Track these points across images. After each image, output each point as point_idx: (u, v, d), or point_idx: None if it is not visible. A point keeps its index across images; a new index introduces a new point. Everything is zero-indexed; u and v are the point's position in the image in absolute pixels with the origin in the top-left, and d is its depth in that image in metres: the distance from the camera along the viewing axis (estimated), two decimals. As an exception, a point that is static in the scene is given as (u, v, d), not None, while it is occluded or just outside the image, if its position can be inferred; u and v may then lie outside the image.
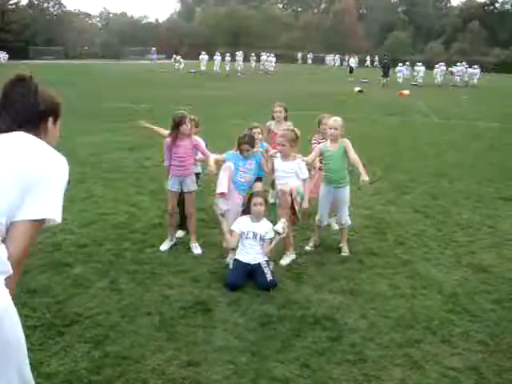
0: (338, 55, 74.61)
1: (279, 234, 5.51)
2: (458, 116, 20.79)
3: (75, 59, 69.41)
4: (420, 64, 42.82)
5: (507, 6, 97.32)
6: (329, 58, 73.50)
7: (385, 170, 10.24)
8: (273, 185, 6.98)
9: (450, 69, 43.78)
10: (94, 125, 15.02)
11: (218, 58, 49.22)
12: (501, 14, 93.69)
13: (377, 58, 50.21)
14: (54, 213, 2.14)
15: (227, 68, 49.01)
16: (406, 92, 30.81)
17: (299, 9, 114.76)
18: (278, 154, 5.93)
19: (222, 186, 5.68)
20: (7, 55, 54.54)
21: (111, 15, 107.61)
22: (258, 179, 6.41)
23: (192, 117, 6.18)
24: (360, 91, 30.77)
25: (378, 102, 24.89)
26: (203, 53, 49.49)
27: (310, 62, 76.32)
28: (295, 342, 4.25)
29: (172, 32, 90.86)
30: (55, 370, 3.73)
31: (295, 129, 6.05)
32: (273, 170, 6.04)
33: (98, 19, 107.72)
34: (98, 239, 6.32)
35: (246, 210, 5.67)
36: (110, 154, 10.99)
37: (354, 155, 5.93)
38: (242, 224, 5.54)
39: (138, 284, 5.17)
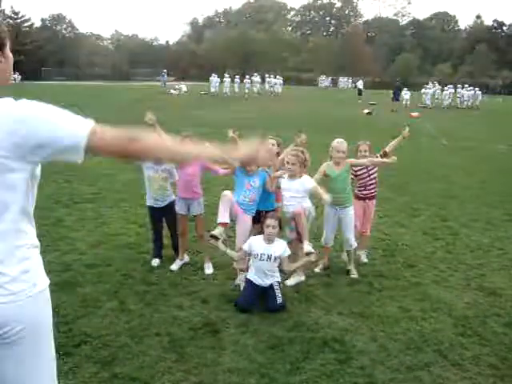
0: (349, 78, 75.18)
1: (310, 253, 5.42)
2: (466, 138, 20.79)
3: (86, 80, 70.20)
4: (429, 86, 42.97)
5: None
6: (342, 80, 74.08)
7: (393, 191, 10.23)
8: None
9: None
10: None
11: (227, 79, 49.61)
12: (508, 37, 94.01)
13: (360, 81, 49.68)
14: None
15: (236, 90, 49.30)
16: (417, 114, 30.88)
17: (308, 31, 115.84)
18: (286, 175, 5.81)
19: (222, 215, 5.50)
20: (20, 76, 55.44)
21: (122, 37, 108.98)
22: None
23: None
24: (369, 113, 30.87)
25: (387, 125, 24.93)
26: (213, 75, 49.88)
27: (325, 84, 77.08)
28: (304, 365, 4.23)
29: (182, 54, 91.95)
30: (64, 390, 3.73)
31: (305, 151, 5.97)
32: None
33: (110, 41, 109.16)
34: (107, 260, 6.34)
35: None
36: (122, 174, 11.05)
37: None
38: (255, 245, 5.41)
39: (147, 305, 5.18)
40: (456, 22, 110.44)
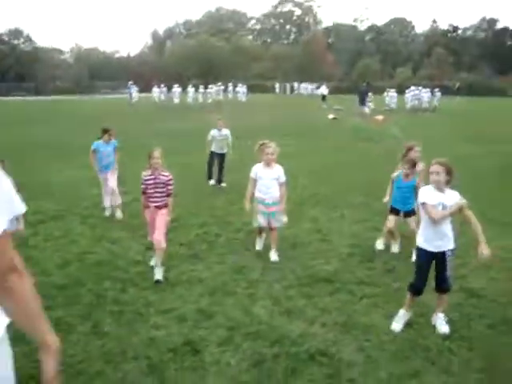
0: (311, 84, 75.66)
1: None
2: (432, 139, 20.98)
3: (47, 95, 68.89)
4: (393, 90, 43.51)
5: (469, 33, 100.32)
6: (304, 86, 74.50)
7: (366, 196, 10.16)
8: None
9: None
10: (70, 161, 14.72)
11: (191, 90, 49.57)
12: (463, 40, 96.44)
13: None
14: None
15: (200, 100, 49.18)
16: (381, 117, 31.12)
17: (269, 40, 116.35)
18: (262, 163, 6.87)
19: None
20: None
21: (83, 50, 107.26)
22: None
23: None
24: (334, 118, 31.01)
25: (352, 129, 25.07)
26: (176, 85, 49.72)
27: (278, 91, 77.57)
28: (291, 381, 4.08)
29: (144, 66, 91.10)
30: (37, 426, 3.47)
31: None
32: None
33: (69, 54, 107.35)
34: (77, 280, 6.07)
35: None
36: (88, 190, 10.72)
37: None
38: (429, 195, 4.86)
39: (122, 326, 4.93)
40: (413, 27, 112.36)
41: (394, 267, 6.53)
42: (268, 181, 6.83)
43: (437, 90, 45.68)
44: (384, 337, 4.75)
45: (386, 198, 7.27)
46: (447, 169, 4.78)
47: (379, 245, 7.26)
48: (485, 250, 4.62)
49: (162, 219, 6.24)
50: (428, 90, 45.24)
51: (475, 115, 35.40)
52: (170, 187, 6.30)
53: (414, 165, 6.82)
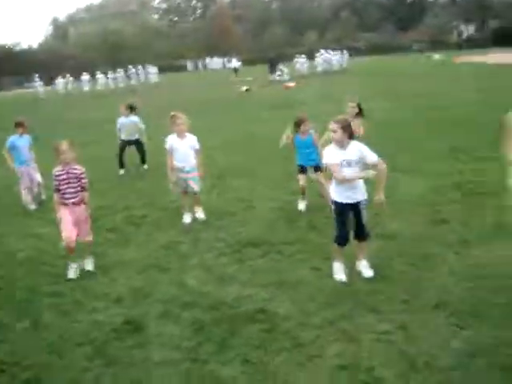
0: (222, 58, 75.45)
1: None
2: (343, 98, 21.59)
3: None
4: (302, 56, 44.18)
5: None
6: (215, 61, 74.26)
7: (284, 161, 10.42)
8: None
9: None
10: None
11: (100, 76, 48.31)
12: (366, 2, 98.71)
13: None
14: None
15: (112, 86, 48.01)
16: (292, 84, 31.64)
17: (176, 18, 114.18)
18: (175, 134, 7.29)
19: None
20: None
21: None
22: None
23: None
24: (247, 90, 31.23)
25: (265, 98, 25.39)
26: (84, 73, 48.28)
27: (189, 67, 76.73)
28: (231, 341, 4.30)
29: (49, 56, 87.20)
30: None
31: None
32: None
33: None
34: (8, 279, 6.01)
35: None
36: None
37: None
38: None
39: (62, 316, 4.98)
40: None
41: (317, 224, 6.87)
42: (183, 150, 7.29)
43: (345, 51, 46.84)
44: (314, 288, 5.07)
45: (281, 145, 7.75)
46: (343, 126, 5.01)
47: (301, 205, 7.62)
48: (378, 196, 5.12)
49: (82, 216, 6.01)
50: (337, 52, 46.27)
51: (383, 73, 36.63)
52: (83, 181, 5.96)
53: (298, 125, 7.35)
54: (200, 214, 7.60)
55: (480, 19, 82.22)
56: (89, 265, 6.10)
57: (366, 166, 5.11)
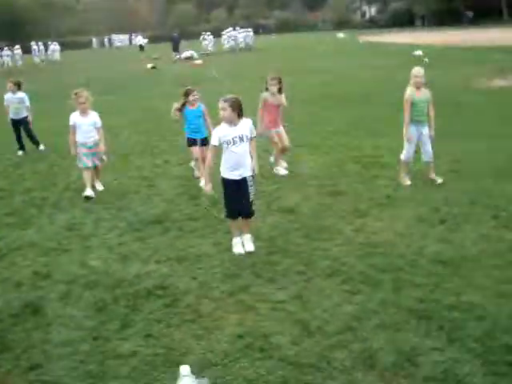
0: (125, 34, 73.37)
1: None
2: (247, 77, 21.79)
3: None
4: (209, 33, 43.88)
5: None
6: (117, 38, 72.00)
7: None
8: None
9: None
10: None
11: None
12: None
13: (140, 37, 49.44)
14: None
15: (9, 63, 45.25)
16: (199, 62, 31.46)
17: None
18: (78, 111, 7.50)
19: None
20: None
21: None
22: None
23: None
24: (153, 67, 30.71)
25: (172, 76, 25.10)
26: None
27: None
28: (133, 317, 4.34)
29: None
30: None
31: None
32: None
33: None
34: None
35: None
36: None
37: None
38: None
39: (-47, 304, 4.78)
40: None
41: (220, 200, 6.97)
42: (86, 127, 7.60)
43: (249, 29, 46.98)
44: (214, 262, 5.20)
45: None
46: (232, 104, 5.18)
47: (197, 173, 7.96)
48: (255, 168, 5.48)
49: None
50: (246, 29, 46.30)
51: (288, 50, 37.18)
52: None
53: (187, 95, 7.75)
54: (98, 185, 7.88)
55: (381, 0, 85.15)
56: None
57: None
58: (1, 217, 7.02)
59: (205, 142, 7.64)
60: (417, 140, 7.09)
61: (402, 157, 7.20)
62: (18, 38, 63.91)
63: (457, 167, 7.80)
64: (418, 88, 6.97)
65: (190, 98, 7.66)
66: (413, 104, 6.94)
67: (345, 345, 3.77)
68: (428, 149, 7.10)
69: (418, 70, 6.97)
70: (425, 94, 7.05)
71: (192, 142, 7.87)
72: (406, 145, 7.13)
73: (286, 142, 8.09)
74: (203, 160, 7.26)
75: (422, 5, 70.19)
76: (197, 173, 7.98)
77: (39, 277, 5.19)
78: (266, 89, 7.97)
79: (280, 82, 7.94)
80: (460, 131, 9.72)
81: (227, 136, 5.19)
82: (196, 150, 7.82)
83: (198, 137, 7.82)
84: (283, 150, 8.15)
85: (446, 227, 5.75)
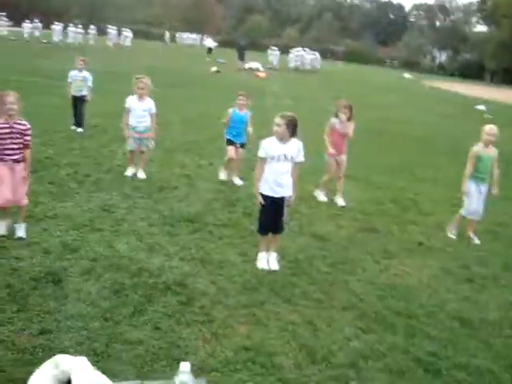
0: (196, 35, 74.57)
1: None
2: (308, 98, 21.94)
3: None
4: (275, 48, 44.28)
5: (355, 1, 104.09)
6: (191, 37, 73.25)
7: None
8: None
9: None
10: None
11: (72, 29, 46.59)
12: (351, 7, 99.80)
13: (210, 40, 50.21)
14: None
15: (81, 41, 46.51)
16: (264, 74, 31.78)
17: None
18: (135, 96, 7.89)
19: None
20: None
21: None
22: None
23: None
24: (217, 71, 31.13)
25: (235, 83, 25.38)
26: (56, 23, 46.52)
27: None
28: (147, 307, 4.42)
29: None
30: None
31: None
32: None
33: None
34: None
35: None
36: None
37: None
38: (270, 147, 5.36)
39: (-19, 259, 4.96)
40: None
41: (253, 212, 7.05)
42: (140, 111, 7.91)
43: (317, 53, 47.17)
44: (235, 271, 5.25)
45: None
46: (288, 122, 5.24)
47: (222, 175, 8.38)
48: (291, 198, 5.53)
49: (19, 177, 5.50)
50: (314, 52, 46.56)
51: (352, 80, 37.17)
52: (27, 137, 5.49)
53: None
54: (141, 173, 8.04)
55: (454, 49, 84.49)
56: (21, 231, 5.57)
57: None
58: (44, 184, 7.21)
59: (242, 146, 8.24)
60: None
61: (462, 212, 7.12)
62: (95, 19, 65.82)
63: (496, 229, 7.68)
64: (487, 146, 6.89)
65: (237, 101, 8.08)
66: (478, 159, 6.85)
67: (346, 380, 3.76)
68: (480, 208, 7.01)
69: (490, 128, 6.89)
70: (492, 151, 6.95)
71: (230, 142, 8.25)
72: (465, 200, 7.05)
73: (343, 172, 8.09)
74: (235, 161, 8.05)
75: (494, 60, 69.37)
76: (222, 175, 8.34)
77: (66, 249, 5.33)
78: (336, 115, 7.94)
79: (351, 110, 7.93)
80: (509, 194, 9.54)
81: (273, 151, 5.26)
82: (232, 151, 8.17)
83: (238, 140, 8.24)
84: (338, 179, 8.11)
85: (472, 286, 5.67)
